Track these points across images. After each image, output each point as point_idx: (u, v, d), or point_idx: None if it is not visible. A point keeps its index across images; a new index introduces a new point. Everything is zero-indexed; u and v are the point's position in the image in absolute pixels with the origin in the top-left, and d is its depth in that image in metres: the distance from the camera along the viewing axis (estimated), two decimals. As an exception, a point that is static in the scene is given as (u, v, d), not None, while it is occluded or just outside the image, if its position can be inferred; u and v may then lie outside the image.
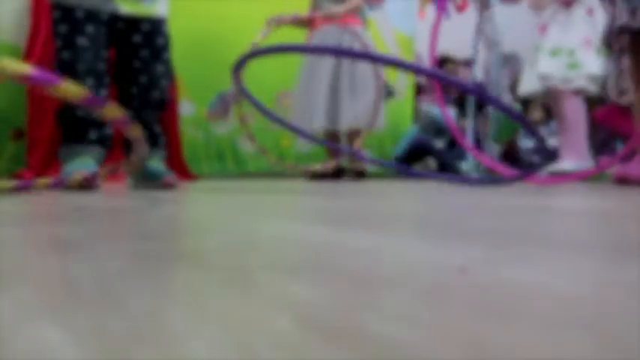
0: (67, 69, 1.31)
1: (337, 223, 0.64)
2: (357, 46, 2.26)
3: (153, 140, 1.50)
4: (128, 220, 0.67)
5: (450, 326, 0.21)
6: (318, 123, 2.27)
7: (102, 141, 1.40)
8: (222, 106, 2.84)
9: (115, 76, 1.48)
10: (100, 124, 1.38)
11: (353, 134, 2.31)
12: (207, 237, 0.50)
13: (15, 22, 2.19)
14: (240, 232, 0.53)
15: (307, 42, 2.39)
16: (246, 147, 2.87)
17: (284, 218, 0.72)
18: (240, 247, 0.42)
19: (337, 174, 2.37)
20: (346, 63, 2.26)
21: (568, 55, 2.35)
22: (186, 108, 2.68)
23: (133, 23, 1.43)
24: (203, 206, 0.93)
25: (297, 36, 2.46)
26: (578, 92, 2.36)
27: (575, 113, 2.35)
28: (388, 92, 3.35)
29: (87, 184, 1.21)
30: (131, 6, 1.39)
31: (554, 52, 2.36)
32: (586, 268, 0.34)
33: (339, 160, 2.34)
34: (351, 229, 0.55)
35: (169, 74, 1.53)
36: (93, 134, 1.37)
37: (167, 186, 1.42)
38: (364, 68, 2.27)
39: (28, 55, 2.12)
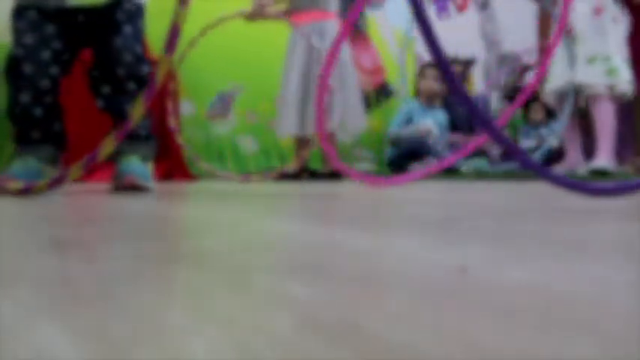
0: (10, 59, 1.27)
1: (337, 223, 0.64)
2: (325, 48, 2.24)
3: (128, 134, 1.31)
4: (128, 220, 0.67)
5: (450, 326, 0.21)
6: (291, 128, 2.24)
7: (49, 139, 1.30)
8: (222, 106, 2.83)
9: (89, 70, 1.38)
10: (44, 122, 1.29)
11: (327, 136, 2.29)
12: (207, 237, 0.50)
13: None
14: (240, 232, 0.53)
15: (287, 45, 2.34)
16: (246, 147, 2.87)
17: (284, 219, 0.72)
18: (240, 248, 0.42)
19: (299, 175, 2.33)
20: (315, 66, 2.24)
21: (604, 61, 2.39)
22: (186, 108, 2.69)
23: (92, 13, 1.33)
24: (203, 206, 0.93)
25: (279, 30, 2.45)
26: (617, 97, 2.42)
27: (610, 116, 2.43)
28: (388, 92, 3.35)
29: (23, 193, 1.11)
30: None
31: (591, 60, 2.40)
32: (586, 268, 0.33)
33: (304, 161, 2.32)
34: (351, 229, 0.55)
35: (134, 49, 1.34)
36: (35, 134, 1.29)
37: (128, 186, 1.27)
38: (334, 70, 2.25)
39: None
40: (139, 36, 1.39)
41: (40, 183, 1.06)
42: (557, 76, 2.54)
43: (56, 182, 1.03)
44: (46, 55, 1.30)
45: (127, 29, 1.36)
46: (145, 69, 1.36)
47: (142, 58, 1.36)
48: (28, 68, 1.28)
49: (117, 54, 1.32)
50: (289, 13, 2.26)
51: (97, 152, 1.01)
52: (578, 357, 0.17)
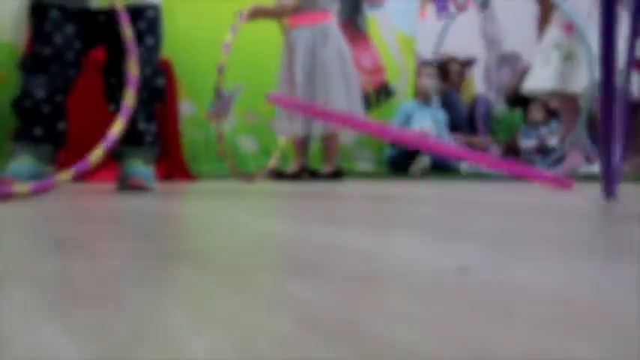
0: (36, 56, 1.28)
1: (337, 223, 0.64)
2: (330, 49, 2.23)
3: (135, 138, 1.38)
4: (128, 220, 0.67)
5: (450, 326, 0.21)
6: (297, 130, 2.24)
7: (50, 138, 1.31)
8: (222, 106, 2.83)
9: (103, 73, 1.41)
10: (50, 118, 1.30)
11: (329, 137, 2.29)
12: (207, 237, 0.50)
13: (15, 21, 2.19)
14: (240, 232, 0.53)
15: (283, 45, 2.34)
16: (246, 147, 2.87)
17: (283, 219, 0.72)
18: (240, 248, 0.42)
19: (299, 175, 2.33)
20: (319, 66, 2.23)
21: None
22: (187, 108, 2.68)
23: (114, 14, 1.31)
24: (203, 206, 0.93)
25: (272, 29, 2.44)
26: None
27: (616, 120, 2.41)
28: (388, 92, 3.34)
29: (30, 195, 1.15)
30: None
31: (594, 61, 2.38)
32: (586, 269, 0.33)
33: (304, 161, 2.32)
34: (351, 229, 0.55)
35: (154, 61, 1.40)
36: (38, 131, 1.29)
37: (133, 187, 1.32)
38: (336, 70, 2.25)
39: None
40: (158, 46, 1.42)
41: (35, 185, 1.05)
42: (548, 77, 2.50)
43: (45, 186, 1.02)
44: (70, 56, 1.32)
45: (149, 41, 1.38)
46: (161, 81, 1.41)
47: (159, 71, 1.40)
48: (55, 68, 1.29)
49: (116, 62, 1.35)
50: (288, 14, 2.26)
51: (88, 160, 1.07)
52: (578, 357, 0.17)
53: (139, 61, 1.35)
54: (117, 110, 1.39)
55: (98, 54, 1.44)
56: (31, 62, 1.30)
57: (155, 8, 1.41)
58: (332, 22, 2.31)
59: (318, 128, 2.21)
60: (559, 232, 0.56)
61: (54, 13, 1.31)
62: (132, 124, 1.37)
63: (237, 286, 0.28)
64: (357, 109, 2.31)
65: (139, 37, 1.36)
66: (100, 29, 1.36)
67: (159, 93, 1.41)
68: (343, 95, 2.25)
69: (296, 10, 2.24)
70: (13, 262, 0.36)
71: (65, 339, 0.19)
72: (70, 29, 1.32)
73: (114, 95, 1.37)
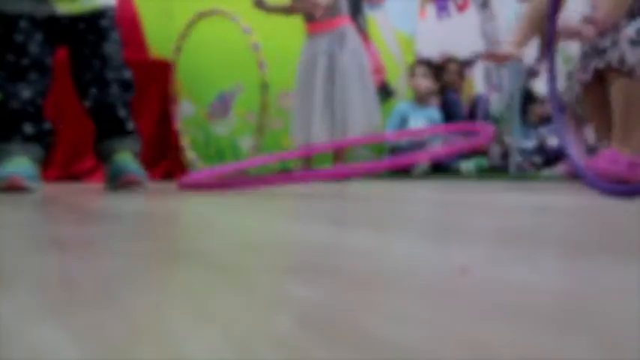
0: (11, 66, 1.29)
1: (337, 223, 0.64)
2: (347, 52, 2.24)
3: (118, 126, 1.38)
4: (128, 220, 0.67)
5: (450, 326, 0.21)
6: (317, 136, 2.24)
7: (39, 137, 1.32)
8: (222, 106, 2.83)
9: (72, 73, 1.42)
10: (37, 118, 1.31)
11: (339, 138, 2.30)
12: (207, 237, 0.50)
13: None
14: (241, 232, 0.53)
15: (302, 53, 2.35)
16: (247, 147, 2.87)
17: (284, 219, 0.72)
18: (240, 248, 0.42)
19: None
20: (337, 69, 2.23)
21: None
22: (187, 108, 2.68)
23: (77, 18, 1.38)
24: (203, 206, 0.93)
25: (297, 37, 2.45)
26: None
27: None
28: (388, 92, 3.34)
29: (19, 188, 1.17)
30: (70, 5, 1.35)
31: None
32: (585, 268, 0.33)
33: (307, 162, 2.33)
34: (351, 230, 0.55)
35: (120, 55, 1.43)
36: (29, 129, 1.30)
37: (128, 184, 1.30)
38: (353, 72, 2.25)
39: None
40: (121, 41, 1.45)
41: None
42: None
43: None
44: (47, 62, 1.34)
45: (114, 35, 1.42)
46: (129, 73, 1.43)
47: (124, 64, 1.43)
48: (33, 76, 1.32)
49: (107, 59, 1.39)
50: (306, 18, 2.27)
51: None
52: (578, 357, 0.17)
53: (109, 55, 1.37)
54: (94, 106, 1.39)
55: (61, 53, 1.45)
56: (7, 72, 1.30)
57: (112, 9, 1.45)
58: (348, 23, 2.32)
59: (331, 132, 2.23)
60: (559, 231, 0.56)
61: (23, 23, 1.32)
62: (111, 113, 1.39)
63: (237, 286, 0.28)
64: (373, 107, 2.32)
65: (105, 35, 1.40)
66: (64, 32, 1.38)
67: (129, 85, 1.43)
68: (359, 96, 2.27)
69: (327, 9, 2.24)
70: (13, 262, 0.36)
71: (65, 339, 0.19)
72: (39, 37, 1.34)
73: (88, 91, 1.38)
